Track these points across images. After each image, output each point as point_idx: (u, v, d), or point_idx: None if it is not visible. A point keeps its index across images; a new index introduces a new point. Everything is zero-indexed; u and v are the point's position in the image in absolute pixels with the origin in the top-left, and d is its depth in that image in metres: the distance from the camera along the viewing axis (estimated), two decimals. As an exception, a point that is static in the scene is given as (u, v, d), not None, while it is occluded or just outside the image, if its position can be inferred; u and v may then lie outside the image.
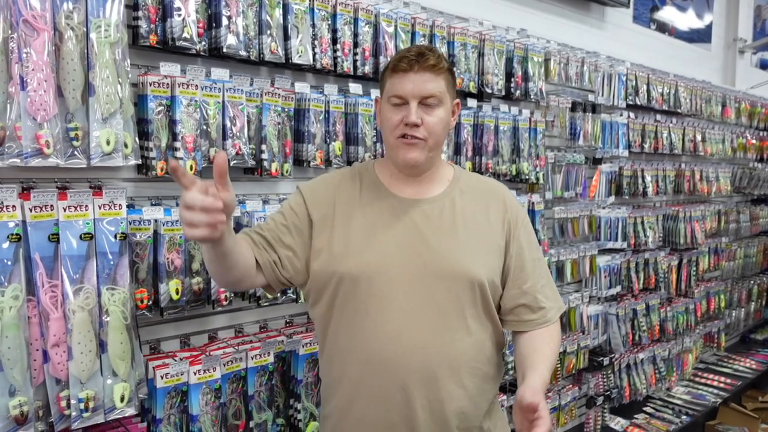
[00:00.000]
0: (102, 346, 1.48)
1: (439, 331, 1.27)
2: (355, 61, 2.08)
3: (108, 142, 1.46)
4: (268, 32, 1.82)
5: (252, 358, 1.81)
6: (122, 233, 1.52)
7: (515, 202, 1.42)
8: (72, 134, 1.44)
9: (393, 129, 1.29)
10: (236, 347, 1.81)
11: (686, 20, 4.56)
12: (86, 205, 1.47)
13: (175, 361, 1.66)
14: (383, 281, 1.28)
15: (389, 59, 2.08)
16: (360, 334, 1.29)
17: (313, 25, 1.94)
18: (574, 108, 3.03)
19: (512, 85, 2.67)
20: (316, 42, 1.95)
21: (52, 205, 1.42)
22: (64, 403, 1.43)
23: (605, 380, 3.35)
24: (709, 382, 4.14)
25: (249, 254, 1.28)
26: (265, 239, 1.34)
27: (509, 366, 2.68)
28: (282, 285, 1.38)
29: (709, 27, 4.86)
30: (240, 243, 1.25)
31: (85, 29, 1.44)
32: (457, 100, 1.39)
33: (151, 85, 1.60)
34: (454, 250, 1.30)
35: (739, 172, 4.64)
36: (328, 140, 2.01)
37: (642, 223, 3.55)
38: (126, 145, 1.51)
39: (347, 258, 1.30)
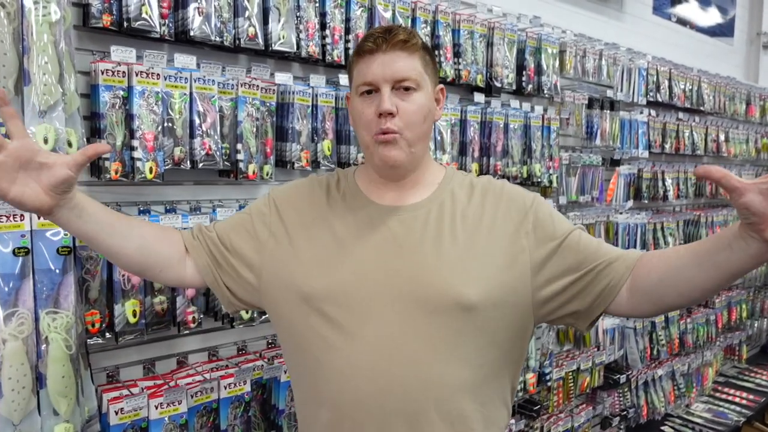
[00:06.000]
0: (40, 381, 1.26)
1: (423, 364, 1.03)
2: (346, 49, 1.84)
3: (45, 140, 1.23)
4: (245, 14, 1.59)
5: (224, 388, 1.59)
6: (66, 247, 1.30)
7: (529, 198, 1.16)
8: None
9: (367, 125, 1.08)
10: (206, 375, 1.59)
11: (708, 12, 4.32)
12: (21, 215, 1.25)
13: (132, 393, 1.44)
14: (355, 304, 1.05)
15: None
16: (329, 371, 1.06)
17: (298, 7, 1.71)
18: (591, 105, 2.83)
19: (524, 78, 2.46)
20: (301, 26, 1.72)
21: (-23, 215, 1.20)
22: (-8, 449, 1.21)
23: (621, 399, 3.17)
24: (730, 398, 3.93)
25: (157, 243, 1.14)
26: (212, 240, 1.18)
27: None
28: (239, 303, 1.21)
29: (732, 20, 4.62)
30: (136, 227, 1.12)
31: (19, 5, 1.22)
32: (441, 86, 1.17)
33: (103, 73, 1.37)
34: (439, 266, 1.06)
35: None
36: (315, 139, 1.78)
37: (662, 229, 3.34)
38: (70, 144, 1.29)
39: (312, 277, 1.09)
